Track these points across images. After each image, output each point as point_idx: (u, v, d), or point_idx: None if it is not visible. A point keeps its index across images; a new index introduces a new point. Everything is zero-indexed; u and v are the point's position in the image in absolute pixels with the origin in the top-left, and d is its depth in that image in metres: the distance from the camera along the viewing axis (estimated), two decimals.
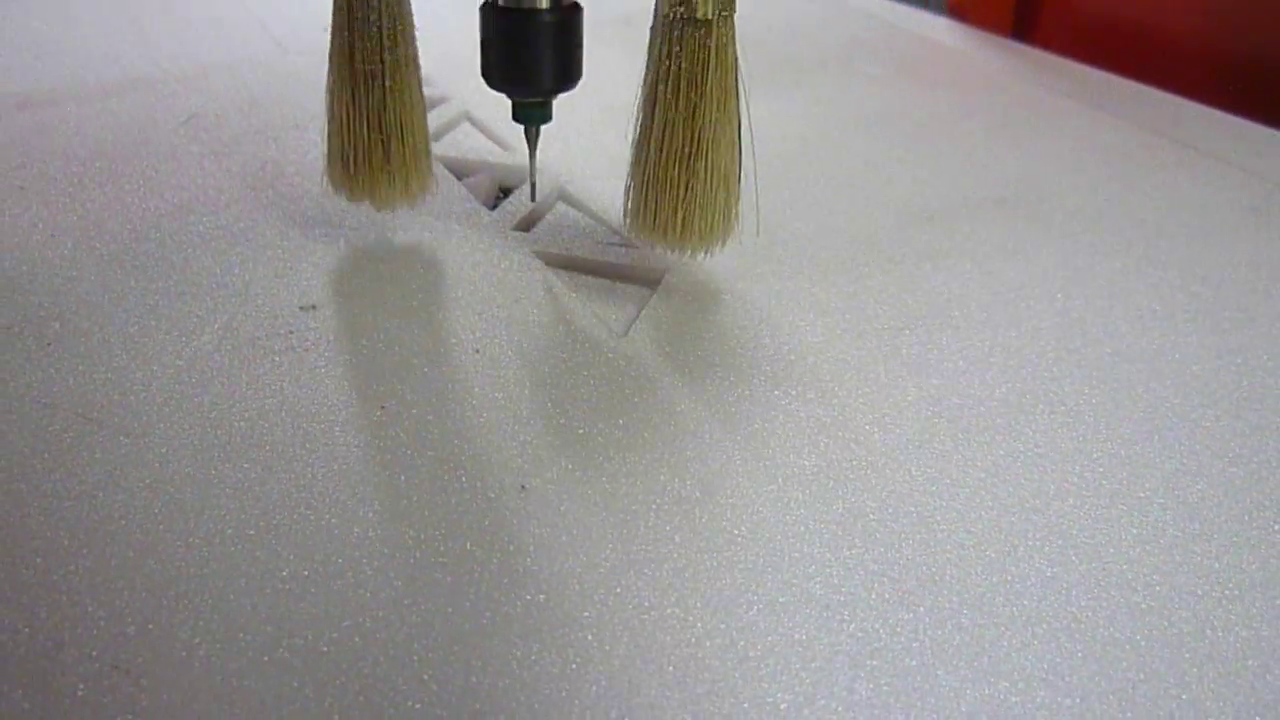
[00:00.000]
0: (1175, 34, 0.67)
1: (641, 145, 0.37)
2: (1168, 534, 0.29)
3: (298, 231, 0.42)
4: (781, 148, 0.52)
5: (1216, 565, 0.28)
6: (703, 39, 0.34)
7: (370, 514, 0.29)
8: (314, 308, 0.38)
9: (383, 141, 0.38)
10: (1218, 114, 0.58)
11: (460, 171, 0.48)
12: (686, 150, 0.36)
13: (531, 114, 0.38)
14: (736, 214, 0.38)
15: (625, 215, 0.38)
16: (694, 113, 0.35)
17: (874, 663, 0.25)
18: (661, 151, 0.36)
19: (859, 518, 0.29)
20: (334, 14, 0.37)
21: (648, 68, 0.36)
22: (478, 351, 0.36)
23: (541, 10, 0.36)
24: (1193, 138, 0.54)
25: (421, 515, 0.29)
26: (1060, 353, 0.37)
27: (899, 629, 0.26)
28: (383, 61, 0.37)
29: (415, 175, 0.39)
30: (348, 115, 0.38)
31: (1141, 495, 0.31)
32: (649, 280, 0.40)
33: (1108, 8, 0.71)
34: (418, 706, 0.24)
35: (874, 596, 0.27)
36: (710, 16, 0.34)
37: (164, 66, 0.59)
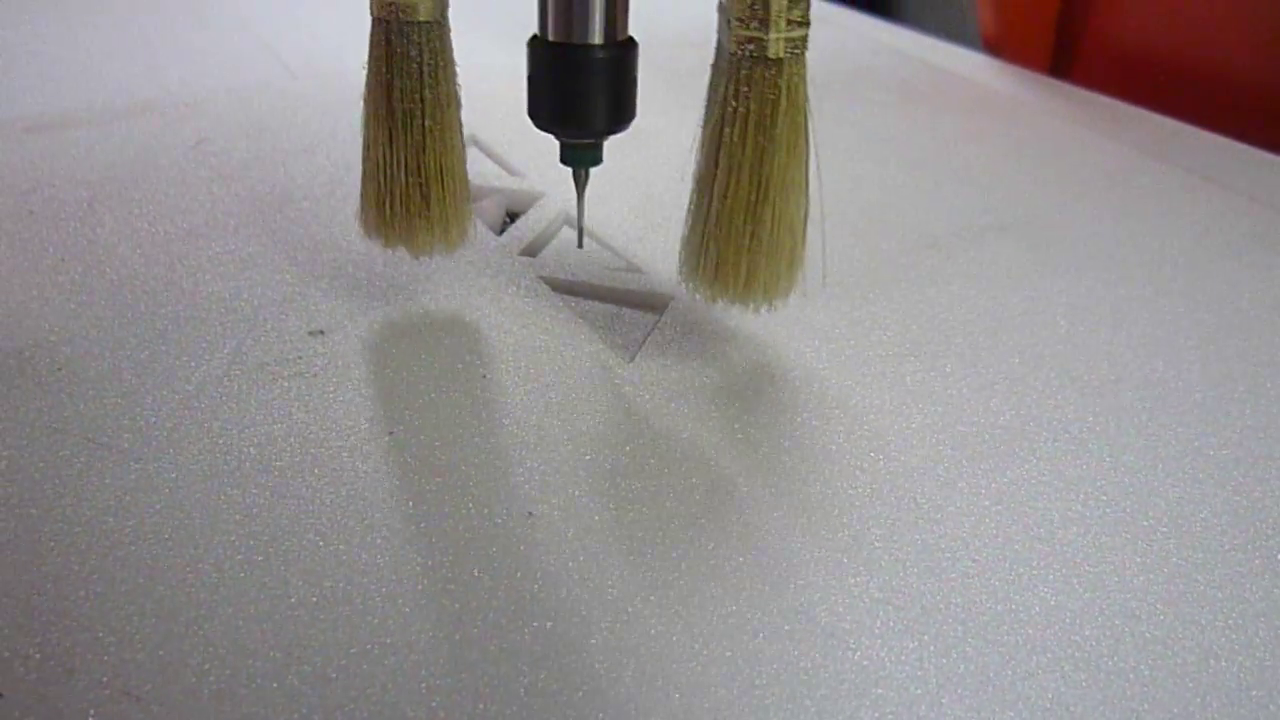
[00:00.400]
0: (1220, 71, 0.66)
1: (702, 191, 0.35)
2: (1171, 562, 0.29)
3: (306, 256, 0.43)
4: None
5: (1220, 595, 0.28)
6: (773, 78, 0.32)
7: (378, 540, 0.29)
8: (322, 333, 0.38)
9: (421, 185, 0.36)
10: (1224, 140, 0.58)
11: None
12: (752, 197, 0.34)
13: (581, 156, 0.37)
14: (802, 264, 0.36)
15: (681, 265, 0.36)
16: (762, 157, 0.33)
17: (879, 691, 0.25)
18: (725, 198, 0.34)
19: (863, 545, 0.30)
20: (371, 49, 0.36)
21: (710, 107, 0.34)
22: (485, 376, 0.36)
23: (595, 45, 0.34)
24: (1197, 164, 0.55)
25: (428, 541, 0.29)
26: (1064, 380, 0.37)
27: (904, 657, 0.26)
28: (423, 100, 0.35)
29: (455, 221, 0.38)
30: (384, 157, 0.36)
31: (1145, 523, 0.31)
32: (654, 305, 0.41)
33: (1148, 43, 0.70)
34: None
35: (879, 624, 0.27)
36: (782, 55, 0.32)
37: (173, 92, 0.60)
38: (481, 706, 0.25)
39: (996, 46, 0.77)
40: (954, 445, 0.34)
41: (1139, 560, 0.30)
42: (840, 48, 0.73)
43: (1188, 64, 0.68)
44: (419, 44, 0.35)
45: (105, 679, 0.25)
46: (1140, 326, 0.40)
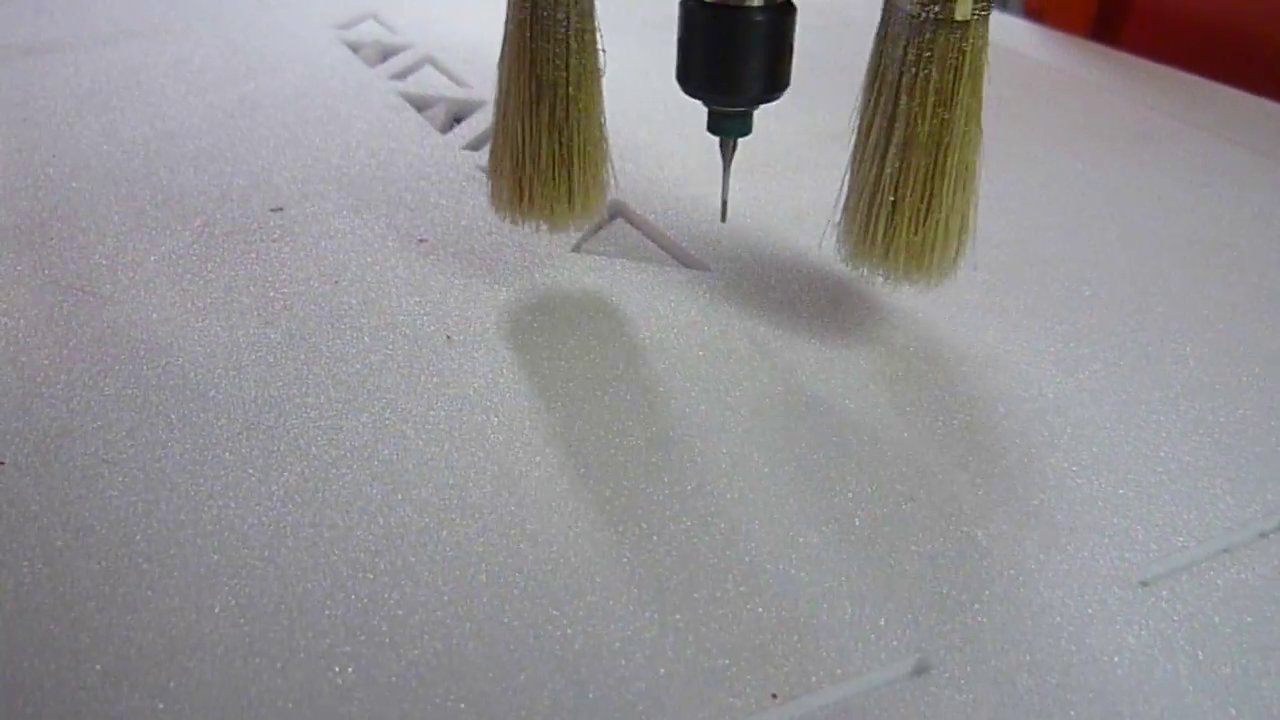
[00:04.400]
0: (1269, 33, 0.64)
1: (869, 161, 0.33)
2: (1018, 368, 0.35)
3: (270, 151, 0.48)
4: None
5: (1081, 399, 0.34)
6: (958, 43, 0.30)
7: (321, 356, 0.35)
8: (281, 209, 0.43)
9: (564, 158, 0.35)
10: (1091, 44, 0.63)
11: (420, 105, 0.54)
12: (928, 171, 0.32)
13: (730, 126, 0.35)
14: (971, 237, 0.34)
15: (841, 238, 0.35)
16: (942, 127, 0.31)
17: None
18: (900, 173, 0.32)
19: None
20: (512, 12, 0.34)
21: (880, 72, 0.32)
22: (422, 241, 0.41)
23: (753, 7, 0.32)
24: (1073, 68, 0.60)
25: (353, 368, 0.35)
26: None
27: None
28: (568, 68, 0.34)
29: (594, 192, 0.36)
30: (525, 129, 0.34)
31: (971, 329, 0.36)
32: None
33: (1192, 6, 0.68)
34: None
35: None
36: (969, 17, 0.30)
37: (153, 21, 0.65)
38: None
39: (1039, 11, 0.76)
40: (846, 308, 0.39)
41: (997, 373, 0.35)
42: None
43: (1233, 27, 0.66)
44: (565, 6, 0.33)
45: (93, 450, 0.30)
46: (1024, 203, 0.46)
